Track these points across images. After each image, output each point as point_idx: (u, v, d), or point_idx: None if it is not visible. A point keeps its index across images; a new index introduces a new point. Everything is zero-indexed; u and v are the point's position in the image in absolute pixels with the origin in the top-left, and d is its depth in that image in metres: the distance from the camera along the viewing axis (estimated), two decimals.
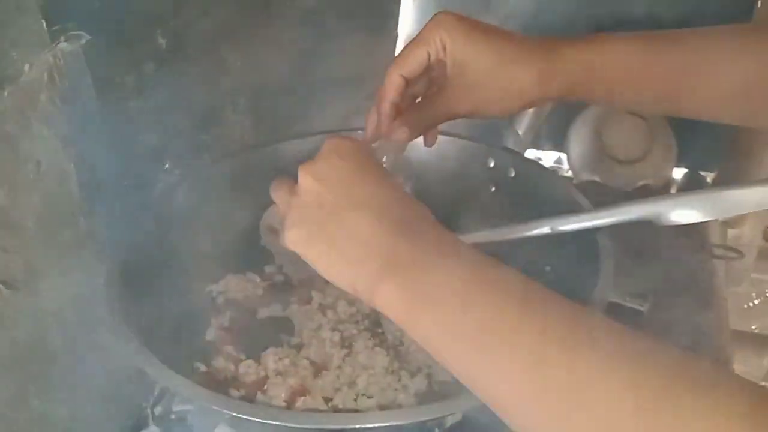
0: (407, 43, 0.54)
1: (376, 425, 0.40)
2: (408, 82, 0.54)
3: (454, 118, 0.56)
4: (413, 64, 0.53)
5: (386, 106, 0.54)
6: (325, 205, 0.40)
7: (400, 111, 0.55)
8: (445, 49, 0.52)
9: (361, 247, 0.38)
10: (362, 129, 0.71)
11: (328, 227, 0.39)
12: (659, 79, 0.52)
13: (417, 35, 0.53)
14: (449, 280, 0.36)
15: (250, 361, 0.54)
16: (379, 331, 0.59)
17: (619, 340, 0.31)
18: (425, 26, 0.53)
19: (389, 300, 0.37)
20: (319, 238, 0.40)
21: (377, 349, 0.56)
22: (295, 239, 0.41)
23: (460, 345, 0.35)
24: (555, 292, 0.35)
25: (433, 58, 0.52)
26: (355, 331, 0.58)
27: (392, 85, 0.53)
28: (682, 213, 0.50)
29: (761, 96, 0.50)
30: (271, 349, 0.56)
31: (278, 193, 0.45)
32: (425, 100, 0.56)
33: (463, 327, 0.35)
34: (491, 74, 0.51)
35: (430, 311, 0.36)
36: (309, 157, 0.68)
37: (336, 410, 0.49)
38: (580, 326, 0.32)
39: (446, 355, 0.36)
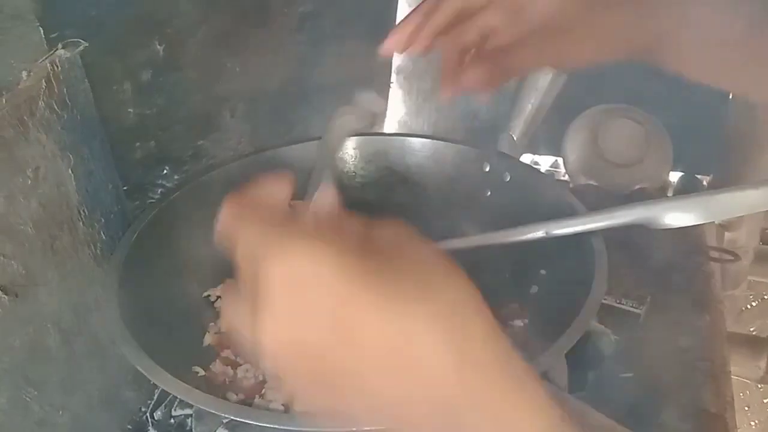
0: None
1: (374, 428, 0.40)
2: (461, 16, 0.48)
3: (533, 69, 0.51)
4: None
5: (435, 22, 0.47)
6: (322, 360, 0.26)
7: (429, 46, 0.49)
8: None
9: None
10: (358, 134, 0.72)
11: (342, 391, 0.27)
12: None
13: None
14: None
15: (248, 366, 0.55)
16: None
17: None
18: None
19: None
20: (334, 401, 0.28)
21: None
22: (298, 397, 0.31)
23: None
24: None
25: None
26: None
27: (450, 7, 0.47)
28: (678, 216, 0.50)
29: None
30: None
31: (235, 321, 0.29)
32: (499, 50, 0.50)
33: None
34: (579, 20, 0.47)
35: None
36: (306, 161, 0.69)
37: None
38: None
39: None
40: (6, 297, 0.50)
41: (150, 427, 0.66)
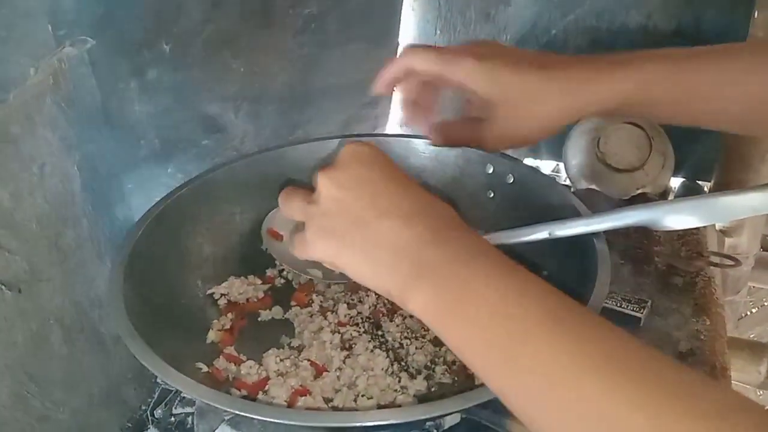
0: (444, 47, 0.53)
1: (377, 423, 0.40)
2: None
3: (490, 151, 0.57)
4: (424, 66, 0.53)
5: (385, 78, 0.55)
6: (350, 213, 0.41)
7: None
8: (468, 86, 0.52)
9: (392, 253, 0.39)
10: (361, 135, 0.73)
11: (357, 235, 0.40)
12: (687, 100, 0.51)
13: (446, 56, 0.52)
14: (479, 289, 0.36)
15: (251, 362, 0.55)
16: (379, 333, 0.59)
17: (650, 371, 0.30)
18: (456, 60, 0.52)
19: (420, 305, 0.38)
20: (349, 247, 0.40)
21: (377, 351, 0.56)
22: (323, 249, 0.42)
23: (487, 358, 0.35)
24: (583, 308, 0.35)
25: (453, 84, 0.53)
26: (355, 334, 0.58)
27: (398, 66, 0.54)
28: (680, 218, 0.50)
29: None
30: (272, 350, 0.56)
31: (292, 203, 0.44)
32: (469, 123, 0.57)
33: (491, 340, 0.35)
34: (517, 112, 0.52)
35: (459, 319, 0.36)
36: (309, 162, 0.69)
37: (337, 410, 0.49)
38: (610, 352, 0.32)
39: (474, 364, 0.36)
40: (9, 292, 0.50)
41: (150, 425, 0.66)
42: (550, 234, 0.53)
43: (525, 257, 0.59)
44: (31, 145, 0.51)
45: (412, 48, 0.54)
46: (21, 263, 0.52)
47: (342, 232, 0.41)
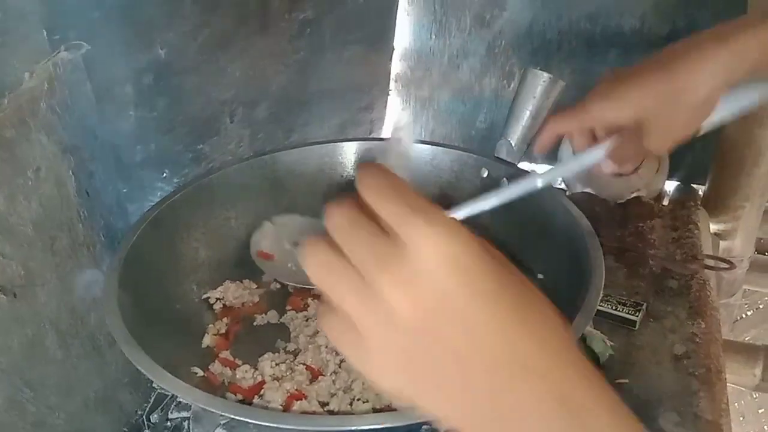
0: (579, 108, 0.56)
1: (373, 427, 0.40)
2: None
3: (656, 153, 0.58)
4: (566, 128, 0.57)
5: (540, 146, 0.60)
6: (446, 352, 0.28)
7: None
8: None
9: (533, 422, 0.27)
10: (357, 140, 0.73)
11: (464, 385, 0.28)
12: None
13: (579, 111, 0.56)
14: None
15: (246, 366, 0.55)
16: None
17: None
18: (588, 108, 0.55)
19: None
20: (454, 397, 0.28)
21: None
22: (397, 380, 0.29)
23: None
24: None
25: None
26: None
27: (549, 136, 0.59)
28: None
29: None
30: (267, 355, 0.56)
31: (340, 285, 0.29)
32: (630, 134, 0.55)
33: None
34: (665, 117, 0.52)
35: None
36: (305, 166, 0.69)
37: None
38: None
39: None
40: (5, 297, 0.50)
41: (146, 430, 0.66)
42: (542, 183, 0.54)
43: (520, 261, 0.60)
44: (26, 150, 0.51)
45: (554, 117, 0.59)
46: (16, 268, 0.52)
47: (437, 372, 0.28)
